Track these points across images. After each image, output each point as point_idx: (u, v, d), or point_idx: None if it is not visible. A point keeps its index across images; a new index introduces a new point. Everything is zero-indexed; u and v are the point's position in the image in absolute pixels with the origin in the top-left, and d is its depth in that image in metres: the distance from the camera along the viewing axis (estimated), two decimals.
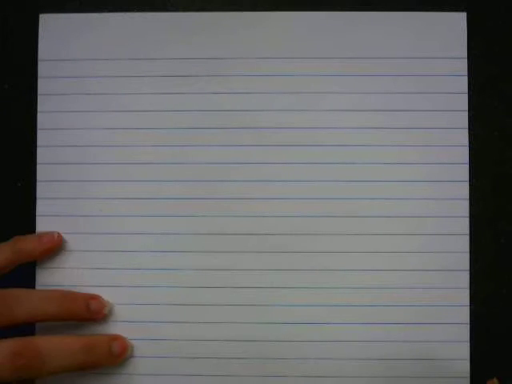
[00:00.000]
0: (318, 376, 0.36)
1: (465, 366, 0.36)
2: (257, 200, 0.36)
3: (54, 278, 0.37)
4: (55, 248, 0.36)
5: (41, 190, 0.37)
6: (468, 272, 0.36)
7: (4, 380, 0.31)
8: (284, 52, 0.37)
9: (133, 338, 0.36)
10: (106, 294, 0.36)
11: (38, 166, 0.37)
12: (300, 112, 0.37)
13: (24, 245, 0.35)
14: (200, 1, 0.38)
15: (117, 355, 0.35)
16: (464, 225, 0.36)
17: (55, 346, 0.32)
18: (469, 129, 0.37)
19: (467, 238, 0.36)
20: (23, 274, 0.36)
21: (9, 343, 0.31)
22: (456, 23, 0.37)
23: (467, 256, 0.36)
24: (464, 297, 0.36)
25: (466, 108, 0.36)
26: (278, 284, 0.36)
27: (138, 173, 0.37)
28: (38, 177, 0.37)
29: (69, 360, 0.33)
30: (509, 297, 0.36)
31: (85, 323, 0.36)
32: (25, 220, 0.37)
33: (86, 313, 0.35)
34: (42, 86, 0.37)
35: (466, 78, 0.37)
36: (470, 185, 0.36)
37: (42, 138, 0.37)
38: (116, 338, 0.36)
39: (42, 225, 0.37)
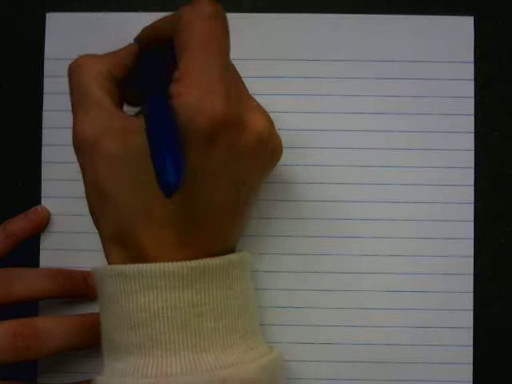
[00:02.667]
0: (317, 378, 0.36)
1: (468, 370, 0.36)
2: (261, 201, 0.36)
3: None
4: (42, 222, 0.36)
5: (46, 188, 0.37)
6: (472, 276, 0.36)
7: (4, 361, 0.31)
8: (287, 54, 0.37)
9: None
10: None
11: (43, 165, 0.37)
12: (304, 114, 0.37)
13: (14, 227, 0.36)
14: None
15: None
16: (469, 229, 0.36)
17: (54, 326, 0.33)
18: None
19: (471, 242, 0.36)
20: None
21: (8, 324, 0.32)
22: (463, 27, 0.37)
23: (471, 260, 0.36)
24: (468, 301, 0.36)
25: (472, 112, 0.36)
26: (286, 286, 0.36)
27: None
28: (43, 175, 0.37)
29: (68, 339, 0.33)
30: (509, 297, 0.36)
31: (86, 305, 0.36)
32: None
33: (85, 289, 0.36)
34: (48, 84, 0.37)
35: (472, 82, 0.36)
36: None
37: (47, 136, 0.37)
38: None
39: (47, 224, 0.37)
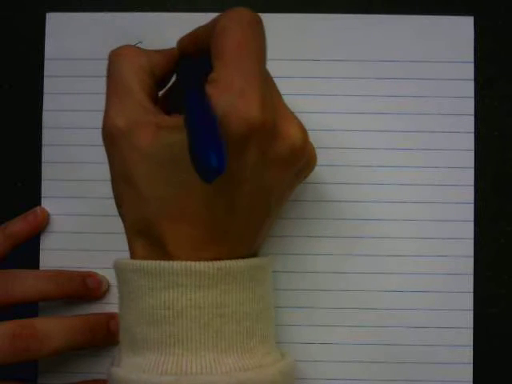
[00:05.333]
0: (317, 378, 0.36)
1: (468, 370, 0.36)
2: None
3: None
4: (41, 223, 0.36)
5: (46, 188, 0.37)
6: (472, 276, 0.36)
7: (4, 361, 0.31)
8: (287, 54, 0.37)
9: None
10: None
11: (43, 165, 0.37)
12: (304, 114, 0.35)
13: (13, 228, 0.36)
14: (200, 1, 0.38)
15: (115, 333, 0.35)
16: (469, 229, 0.36)
17: (53, 327, 0.33)
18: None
19: (471, 242, 0.36)
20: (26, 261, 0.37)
21: (8, 325, 0.32)
22: (463, 27, 0.37)
23: (471, 260, 0.36)
24: (468, 301, 0.36)
25: (473, 112, 0.36)
26: (286, 286, 0.36)
27: None
28: (43, 175, 0.37)
29: (68, 340, 0.33)
30: (509, 297, 0.36)
31: (85, 305, 0.36)
32: None
33: (84, 290, 0.36)
34: (48, 84, 0.37)
35: (472, 83, 0.37)
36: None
37: (47, 136, 0.37)
38: (114, 316, 0.36)
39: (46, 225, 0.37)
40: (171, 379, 0.26)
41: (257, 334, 0.28)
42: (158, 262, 0.27)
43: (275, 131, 0.27)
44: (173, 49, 0.31)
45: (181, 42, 0.31)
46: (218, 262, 0.27)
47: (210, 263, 0.27)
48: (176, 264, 0.26)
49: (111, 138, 0.28)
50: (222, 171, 0.22)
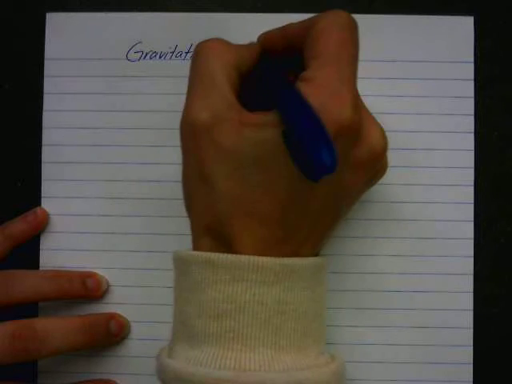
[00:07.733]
0: None
1: (468, 370, 0.36)
2: None
3: None
4: (41, 224, 0.36)
5: (46, 188, 0.37)
6: (472, 276, 0.36)
7: (3, 362, 0.31)
8: None
9: (130, 321, 0.36)
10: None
11: (43, 165, 0.37)
12: None
13: (12, 229, 0.36)
14: (200, 1, 0.38)
15: (115, 334, 0.36)
16: (469, 229, 0.36)
17: (53, 327, 0.33)
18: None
19: (471, 242, 0.36)
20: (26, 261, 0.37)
21: (7, 326, 0.32)
22: (463, 27, 0.37)
23: (471, 260, 0.36)
24: (468, 301, 0.36)
25: (473, 112, 0.36)
26: None
27: (141, 172, 0.37)
28: (43, 176, 0.37)
29: (67, 340, 0.33)
30: (509, 297, 0.36)
31: (85, 305, 0.36)
32: None
33: (84, 290, 0.36)
34: (48, 84, 0.37)
35: (472, 83, 0.37)
36: None
37: (47, 136, 0.37)
38: (113, 316, 0.36)
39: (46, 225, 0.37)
40: (231, 374, 0.25)
41: (312, 333, 0.28)
42: (224, 254, 0.26)
43: (359, 135, 0.27)
44: (255, 44, 0.31)
45: (267, 37, 0.30)
46: (284, 258, 0.27)
47: (276, 259, 0.26)
48: (243, 258, 0.26)
49: (193, 132, 0.27)
50: (335, 169, 0.22)
